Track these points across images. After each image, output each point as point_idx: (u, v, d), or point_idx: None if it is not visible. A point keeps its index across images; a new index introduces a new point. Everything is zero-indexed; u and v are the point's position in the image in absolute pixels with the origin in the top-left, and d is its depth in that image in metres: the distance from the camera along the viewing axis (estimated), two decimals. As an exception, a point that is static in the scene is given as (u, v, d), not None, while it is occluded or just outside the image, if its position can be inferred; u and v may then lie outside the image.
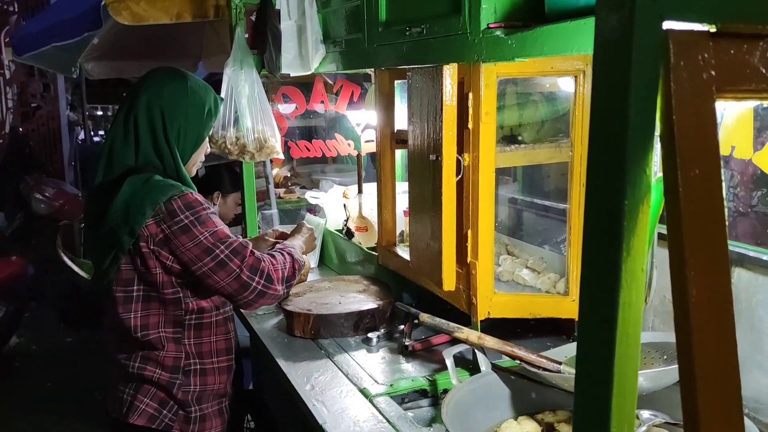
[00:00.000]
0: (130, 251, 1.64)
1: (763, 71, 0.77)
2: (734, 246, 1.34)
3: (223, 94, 2.44)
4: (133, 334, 1.67)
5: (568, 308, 1.76)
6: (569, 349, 1.61)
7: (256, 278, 1.64)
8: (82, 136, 7.73)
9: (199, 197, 1.67)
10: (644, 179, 0.70)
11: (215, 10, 2.89)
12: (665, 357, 1.43)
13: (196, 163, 1.83)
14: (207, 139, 1.82)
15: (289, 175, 3.57)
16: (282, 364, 1.72)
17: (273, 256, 1.73)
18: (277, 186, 3.49)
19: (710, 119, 0.73)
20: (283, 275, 1.70)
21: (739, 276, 1.33)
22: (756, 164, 1.28)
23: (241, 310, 2.16)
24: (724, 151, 1.35)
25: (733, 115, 1.29)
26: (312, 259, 2.68)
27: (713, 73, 0.73)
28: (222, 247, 1.61)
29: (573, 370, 1.46)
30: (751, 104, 1.11)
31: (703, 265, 0.71)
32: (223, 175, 3.30)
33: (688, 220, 0.71)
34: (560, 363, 1.48)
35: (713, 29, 0.73)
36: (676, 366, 1.28)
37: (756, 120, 1.27)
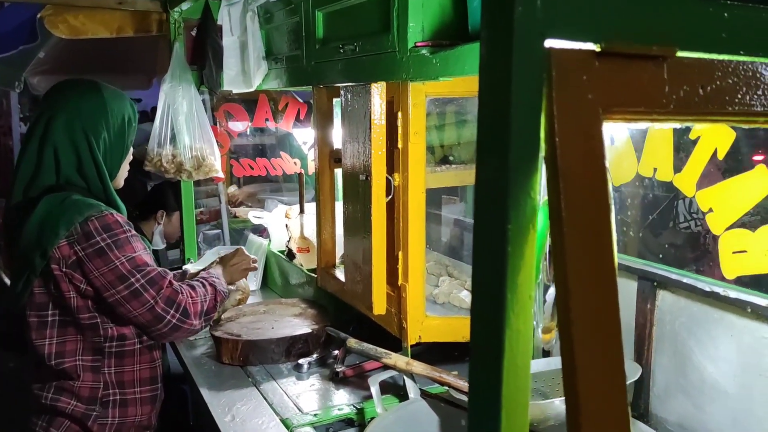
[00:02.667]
0: (43, 273, 1.55)
1: (653, 92, 0.75)
2: (658, 268, 1.33)
3: (159, 111, 2.38)
4: (47, 361, 1.58)
5: (502, 331, 1.73)
6: (501, 374, 1.58)
7: (172, 311, 1.55)
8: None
9: (121, 219, 1.59)
10: (529, 203, 0.66)
11: (158, 25, 2.82)
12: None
13: (123, 176, 1.75)
14: (131, 149, 1.74)
15: (234, 191, 3.50)
16: (205, 393, 1.65)
17: (193, 288, 1.64)
18: (232, 205, 3.41)
19: (597, 141, 0.71)
20: (202, 309, 1.61)
21: (663, 299, 1.31)
22: (677, 186, 1.27)
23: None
24: (647, 173, 1.34)
25: (652, 138, 1.29)
26: (253, 282, 2.60)
27: (598, 93, 0.71)
28: (138, 275, 1.53)
29: (500, 397, 1.42)
30: (641, 126, 1.10)
31: (589, 294, 0.68)
32: (167, 193, 3.20)
33: (572, 244, 0.68)
34: (489, 389, 1.44)
35: (598, 48, 0.70)
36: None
37: (674, 143, 1.26)
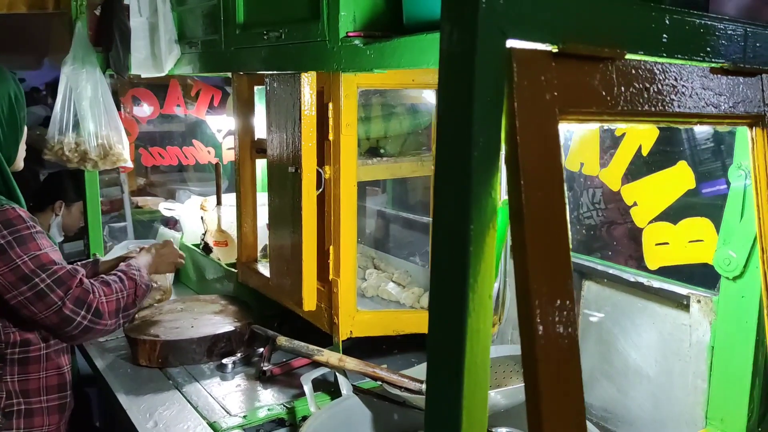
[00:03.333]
0: None
1: (603, 93, 0.77)
2: (583, 259, 1.38)
3: (60, 95, 2.20)
4: None
5: (431, 323, 1.74)
6: (431, 366, 1.59)
7: (82, 312, 1.44)
8: None
9: (24, 214, 1.46)
10: (490, 203, 0.66)
11: (55, 2, 2.60)
12: (521, 369, 1.45)
13: (21, 158, 1.63)
14: (25, 129, 1.63)
15: (142, 183, 3.32)
16: (122, 398, 1.55)
17: (107, 285, 1.53)
18: (133, 194, 3.22)
19: (554, 141, 0.71)
20: (117, 307, 1.51)
21: (589, 288, 1.37)
22: (602, 180, 1.32)
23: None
24: (573, 167, 1.39)
25: (580, 133, 1.34)
26: (167, 278, 2.48)
27: (556, 94, 0.71)
28: (43, 275, 1.42)
29: (433, 389, 1.44)
30: (592, 126, 1.14)
31: (548, 284, 0.69)
32: (66, 182, 2.98)
33: (532, 242, 0.69)
34: (422, 382, 1.45)
35: (555, 49, 0.71)
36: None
37: (601, 138, 1.31)
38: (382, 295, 1.90)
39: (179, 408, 1.50)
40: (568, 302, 0.71)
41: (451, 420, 0.68)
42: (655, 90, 0.79)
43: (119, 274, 1.60)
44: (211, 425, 1.42)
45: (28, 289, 1.41)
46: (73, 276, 1.46)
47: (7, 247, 1.40)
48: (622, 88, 0.76)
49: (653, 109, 0.79)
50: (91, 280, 1.52)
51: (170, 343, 1.72)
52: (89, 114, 2.18)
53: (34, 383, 1.53)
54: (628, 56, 0.76)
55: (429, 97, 1.91)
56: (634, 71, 0.77)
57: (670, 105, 0.81)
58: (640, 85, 0.78)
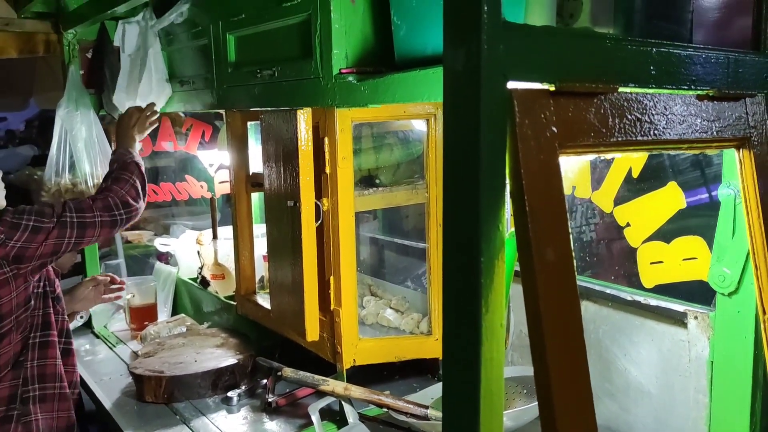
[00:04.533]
0: None
1: (599, 126, 0.81)
2: (581, 280, 1.42)
3: (55, 138, 2.22)
4: None
5: (432, 348, 1.76)
6: (435, 390, 1.61)
7: (117, 212, 1.72)
8: None
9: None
10: (498, 235, 0.69)
11: (45, 46, 2.63)
12: (525, 391, 1.47)
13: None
14: None
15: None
16: (130, 436, 1.55)
17: (117, 180, 1.78)
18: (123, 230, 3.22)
19: (556, 174, 0.75)
20: (137, 191, 1.78)
21: (587, 309, 1.40)
22: (594, 202, 1.36)
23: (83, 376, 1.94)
24: (566, 191, 1.43)
25: (571, 158, 1.38)
26: (164, 313, 2.48)
27: (555, 129, 0.75)
28: (68, 213, 1.64)
29: (440, 415, 1.45)
30: (590, 158, 1.19)
31: (557, 309, 0.73)
32: None
33: (542, 271, 0.72)
34: (427, 407, 1.47)
35: (552, 88, 0.75)
36: (536, 402, 1.30)
37: (592, 162, 1.36)
38: (381, 322, 1.92)
39: (188, 444, 1.50)
40: (576, 322, 0.74)
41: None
42: (647, 119, 0.84)
43: (119, 164, 1.82)
44: (221, 460, 1.42)
45: (69, 228, 1.62)
46: (81, 200, 1.69)
47: (36, 224, 1.58)
48: (617, 120, 0.80)
49: (646, 137, 0.84)
50: (103, 186, 1.78)
51: (175, 378, 1.73)
52: (84, 155, 2.21)
53: (51, 368, 1.61)
54: (621, 90, 0.81)
55: (419, 126, 1.95)
56: (626, 104, 0.81)
57: (661, 133, 0.86)
58: (633, 116, 0.82)
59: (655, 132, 0.83)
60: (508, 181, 0.71)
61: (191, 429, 1.58)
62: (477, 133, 0.67)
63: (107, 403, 1.76)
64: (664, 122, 0.85)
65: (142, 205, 1.77)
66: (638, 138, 0.83)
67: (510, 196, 0.72)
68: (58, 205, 1.66)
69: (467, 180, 0.68)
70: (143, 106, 2.11)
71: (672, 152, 1.19)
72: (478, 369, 0.69)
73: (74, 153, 2.21)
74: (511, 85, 0.69)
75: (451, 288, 0.71)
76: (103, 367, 2.02)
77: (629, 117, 0.82)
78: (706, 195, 1.31)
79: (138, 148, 1.97)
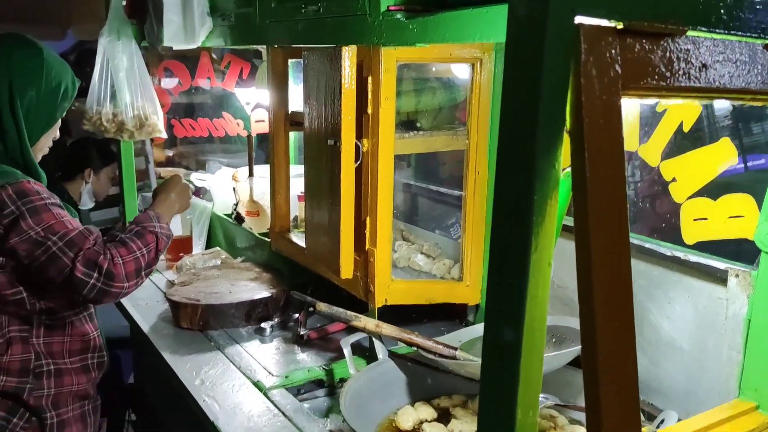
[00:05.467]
0: None
1: (663, 69, 0.79)
2: (618, 234, 1.41)
3: (97, 66, 2.23)
4: None
5: (463, 293, 1.79)
6: (464, 334, 1.64)
7: (94, 274, 1.40)
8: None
9: (39, 186, 1.46)
10: (553, 174, 0.69)
11: (87, -26, 2.63)
12: (554, 340, 1.49)
13: (42, 149, 1.62)
14: (59, 122, 1.62)
15: (171, 154, 3.37)
16: (168, 357, 1.61)
17: (124, 244, 1.46)
18: (157, 165, 3.28)
19: (616, 116, 0.74)
20: (137, 267, 1.46)
21: (622, 262, 1.40)
22: (640, 155, 1.34)
23: (122, 302, 2.01)
24: (610, 143, 1.40)
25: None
26: (198, 246, 2.54)
27: (619, 69, 0.74)
28: (55, 238, 1.40)
29: (468, 356, 1.48)
30: (651, 102, 1.16)
31: (608, 256, 0.73)
32: (91, 150, 3.05)
33: (595, 213, 0.72)
34: (455, 348, 1.50)
35: (620, 26, 0.73)
36: (566, 350, 1.32)
37: (640, 114, 1.33)
38: (413, 266, 1.94)
39: (223, 368, 1.56)
40: (625, 267, 0.74)
41: (509, 380, 0.71)
42: (713, 66, 0.81)
43: (137, 229, 1.53)
44: (255, 384, 1.48)
45: (42, 253, 1.39)
46: (86, 237, 1.42)
47: (20, 217, 1.40)
48: (682, 64, 0.78)
49: (710, 85, 0.82)
50: (108, 243, 1.47)
51: (211, 307, 1.78)
52: (125, 85, 2.22)
53: (58, 346, 1.55)
54: (689, 33, 0.78)
55: (460, 72, 1.92)
56: (692, 48, 0.79)
57: (726, 81, 0.83)
58: (698, 62, 0.80)
59: (720, 80, 0.81)
60: (567, 119, 0.70)
61: (225, 355, 1.64)
62: (540, 66, 0.66)
63: (145, 327, 1.83)
64: (729, 71, 0.83)
65: (128, 287, 1.44)
66: (701, 84, 0.81)
67: (568, 135, 0.71)
68: (60, 231, 1.42)
69: (526, 115, 0.67)
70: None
71: (736, 103, 1.16)
72: (523, 305, 0.70)
73: (115, 83, 2.23)
74: (578, 19, 0.68)
75: (501, 225, 0.71)
76: (139, 292, 2.08)
77: (694, 62, 0.80)
78: (762, 160, 1.29)
79: (168, 226, 1.63)
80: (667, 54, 0.77)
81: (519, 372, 0.70)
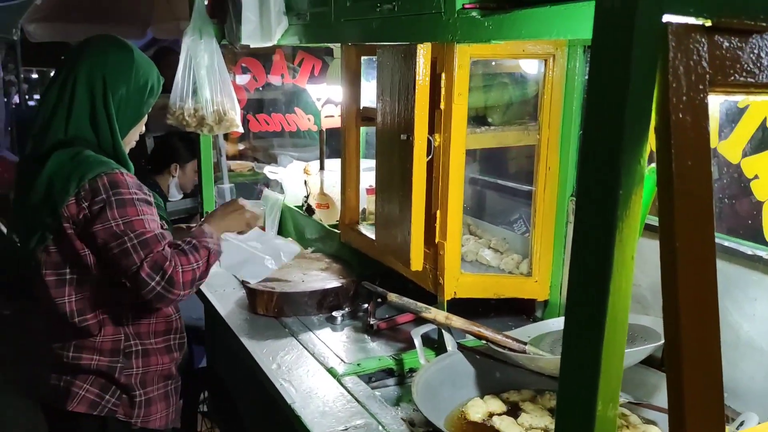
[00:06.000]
0: (55, 232, 1.53)
1: (752, 66, 0.79)
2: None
3: (181, 64, 2.35)
4: (70, 320, 1.57)
5: (531, 289, 1.80)
6: (532, 329, 1.65)
7: (157, 278, 1.46)
8: (16, 99, 7.34)
9: (131, 179, 1.55)
10: (638, 170, 0.70)
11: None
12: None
13: (130, 143, 1.73)
14: (145, 118, 1.73)
15: (242, 147, 3.49)
16: (246, 342, 1.70)
17: (185, 254, 1.52)
18: (230, 158, 3.41)
19: (703, 112, 0.75)
20: (193, 277, 1.51)
21: (698, 261, 1.38)
22: (720, 152, 1.32)
23: (201, 288, 2.11)
24: (689, 139, 1.38)
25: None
26: (271, 233, 2.63)
27: (707, 67, 0.74)
28: (132, 235, 1.48)
29: (538, 351, 1.49)
30: (738, 98, 1.14)
31: (693, 254, 0.73)
32: (177, 144, 3.20)
33: (680, 210, 0.73)
34: (525, 343, 1.51)
35: (708, 23, 0.74)
36: (640, 347, 1.32)
37: (721, 110, 1.31)
38: (481, 261, 1.96)
39: (298, 354, 1.63)
40: (711, 266, 0.75)
41: (590, 372, 0.72)
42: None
43: (194, 242, 1.58)
44: (328, 370, 1.54)
45: (116, 246, 1.47)
46: (159, 241, 1.49)
47: (107, 207, 1.48)
48: (771, 61, 0.78)
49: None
50: (174, 249, 1.54)
51: (285, 294, 1.86)
52: (206, 82, 2.33)
53: (144, 327, 1.65)
54: (780, 30, 0.77)
55: (529, 67, 1.92)
56: (782, 44, 0.78)
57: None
58: (789, 58, 0.79)
59: (811, 76, 0.80)
60: (653, 116, 0.71)
61: (300, 341, 1.71)
62: (628, 63, 0.68)
63: (222, 312, 1.92)
64: (822, 67, 0.81)
65: (183, 295, 1.50)
66: (791, 81, 0.80)
67: (654, 132, 0.72)
68: (138, 230, 1.49)
69: (612, 111, 0.68)
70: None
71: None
72: (606, 299, 0.71)
73: (197, 80, 2.34)
74: (666, 18, 0.69)
75: (585, 219, 0.73)
76: (216, 279, 2.18)
77: (784, 58, 0.79)
78: None
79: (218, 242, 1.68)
80: (756, 50, 0.76)
81: (600, 365, 0.71)
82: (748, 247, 1.26)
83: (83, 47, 1.66)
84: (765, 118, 1.22)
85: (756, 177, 1.25)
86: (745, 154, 1.27)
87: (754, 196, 1.26)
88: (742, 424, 1.10)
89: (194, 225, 1.82)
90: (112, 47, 1.65)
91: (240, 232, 1.88)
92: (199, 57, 2.33)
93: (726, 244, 1.31)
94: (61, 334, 1.62)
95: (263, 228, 2.21)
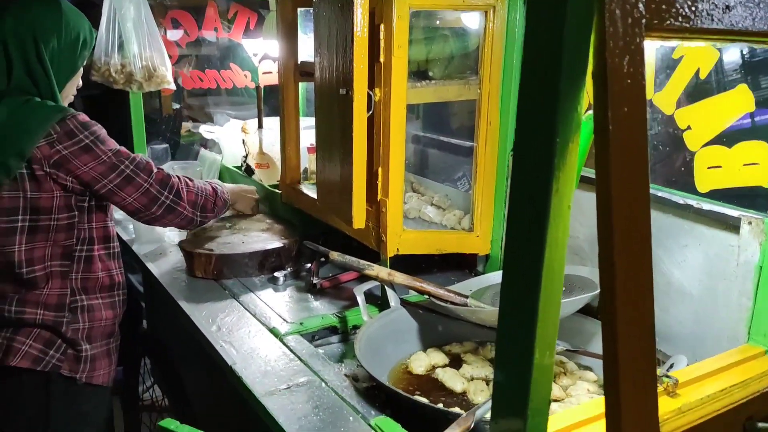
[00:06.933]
0: (15, 177, 1.51)
1: (687, 11, 0.78)
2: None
3: (104, 17, 2.21)
4: (17, 269, 1.56)
5: (473, 243, 1.81)
6: (474, 283, 1.67)
7: (165, 192, 1.66)
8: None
9: (89, 119, 1.60)
10: (575, 117, 0.69)
11: None
12: (564, 288, 1.51)
13: (68, 97, 1.71)
14: (80, 71, 1.71)
15: (178, 107, 3.35)
16: (184, 305, 1.65)
17: (191, 180, 1.76)
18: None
19: (639, 58, 0.74)
20: (195, 200, 1.73)
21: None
22: (655, 103, 1.34)
23: (136, 252, 2.04)
24: (625, 91, 1.39)
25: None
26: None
27: (643, 11, 0.73)
28: (126, 162, 1.61)
29: (479, 303, 1.51)
30: (673, 45, 1.15)
31: (629, 200, 0.73)
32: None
33: (616, 157, 0.72)
34: (467, 296, 1.53)
35: (645, -35, 0.72)
36: (577, 297, 1.34)
37: (656, 61, 1.32)
38: (423, 217, 1.96)
39: (239, 315, 1.60)
40: (645, 211, 0.75)
41: (527, 321, 0.72)
42: (739, 8, 0.81)
43: (203, 181, 1.81)
44: (271, 330, 1.51)
45: (117, 176, 1.59)
46: (149, 162, 1.67)
47: (92, 145, 1.55)
48: (706, 5, 0.78)
49: (734, 27, 0.81)
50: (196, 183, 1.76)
51: (224, 256, 1.81)
52: (133, 35, 2.20)
53: (92, 282, 1.66)
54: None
55: (469, 20, 1.89)
56: (716, -12, 0.78)
57: (752, 23, 0.82)
58: (723, 3, 0.79)
59: (745, 22, 0.80)
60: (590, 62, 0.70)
61: (240, 302, 1.67)
62: (564, 7, 0.66)
63: (159, 276, 1.86)
64: (755, 12, 0.82)
65: (188, 211, 1.72)
66: (726, 27, 0.80)
67: (591, 77, 0.71)
68: (129, 156, 1.64)
69: (548, 58, 0.67)
70: None
71: (756, 46, 1.15)
72: (542, 248, 0.71)
73: (123, 33, 2.21)
74: (601, -44, 0.67)
75: (522, 166, 0.72)
76: (151, 245, 2.11)
77: (718, 3, 0.79)
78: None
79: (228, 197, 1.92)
80: (691, -6, 0.76)
81: (537, 314, 0.72)
82: (679, 197, 1.29)
83: (7, 3, 1.59)
84: (698, 69, 1.24)
85: (689, 128, 1.27)
86: (679, 105, 1.29)
87: (686, 146, 1.28)
88: (671, 366, 1.14)
89: None
90: (36, 2, 1.59)
91: (240, 213, 2.12)
92: (124, 9, 2.19)
93: (659, 194, 1.34)
94: (2, 288, 1.60)
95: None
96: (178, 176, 1.73)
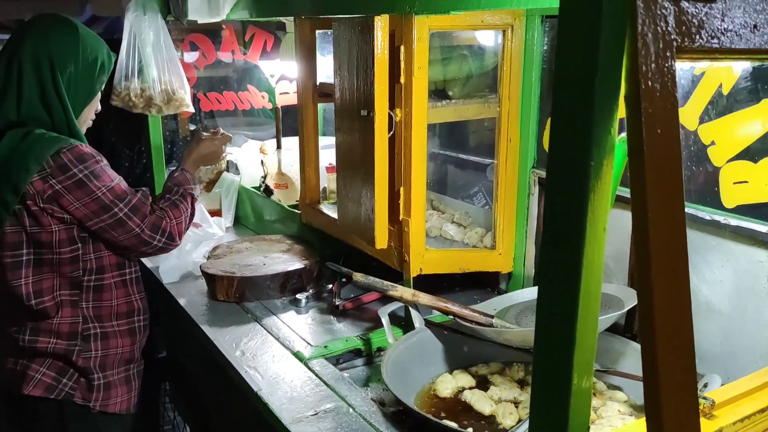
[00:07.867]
0: (15, 212, 1.52)
1: (717, 32, 0.78)
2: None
3: (124, 42, 2.24)
4: (26, 302, 1.57)
5: (496, 261, 1.80)
6: (497, 302, 1.66)
7: (158, 236, 1.61)
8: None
9: (91, 150, 1.57)
10: (609, 139, 0.69)
11: (108, -52, 2.62)
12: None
13: (86, 122, 1.71)
14: (98, 95, 1.71)
15: (195, 128, 3.38)
16: (207, 330, 1.65)
17: (176, 206, 1.68)
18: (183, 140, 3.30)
19: (671, 80, 0.74)
20: (186, 226, 1.69)
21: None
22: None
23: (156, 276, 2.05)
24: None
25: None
26: (228, 219, 2.57)
27: (675, 33, 0.73)
28: (121, 204, 1.56)
29: (505, 323, 1.50)
30: (703, 65, 1.15)
31: (665, 219, 0.73)
32: None
33: (652, 179, 0.72)
34: (492, 316, 1.52)
35: (674, -13, 0.73)
36: (604, 316, 1.33)
37: (678, 77, 1.31)
38: (445, 236, 1.95)
39: (262, 339, 1.60)
40: (681, 231, 0.74)
41: (565, 345, 0.71)
42: (763, 26, 0.80)
43: (180, 191, 1.72)
44: (295, 354, 1.51)
45: (109, 217, 1.55)
46: (145, 203, 1.61)
47: (85, 180, 1.51)
48: (737, 26, 0.78)
49: (762, 46, 0.81)
50: (160, 204, 1.67)
51: (246, 279, 1.81)
52: (152, 60, 2.23)
53: (106, 309, 1.65)
54: (743, -6, 0.77)
55: (486, 39, 1.90)
56: (746, 9, 0.78)
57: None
58: (751, 22, 0.79)
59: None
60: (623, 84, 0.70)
61: (263, 326, 1.67)
62: (596, 32, 0.66)
63: (181, 300, 1.87)
64: (782, 31, 0.82)
65: (179, 244, 1.67)
66: (755, 46, 0.80)
67: (624, 100, 0.71)
68: (126, 197, 1.58)
69: (582, 81, 0.67)
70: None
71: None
72: (579, 271, 0.70)
73: (142, 58, 2.24)
74: (633, -19, 0.67)
75: (556, 190, 0.72)
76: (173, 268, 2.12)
77: (748, 22, 0.79)
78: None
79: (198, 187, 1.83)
80: (721, 15, 0.76)
81: (575, 338, 0.71)
82: (706, 213, 1.28)
83: (26, 28, 1.61)
84: (720, 84, 1.24)
85: (713, 143, 1.26)
86: (702, 121, 1.28)
87: (711, 162, 1.27)
88: (705, 386, 1.12)
89: (175, 169, 1.84)
90: (54, 26, 1.61)
91: (217, 174, 1.99)
92: (144, 34, 2.22)
93: (686, 211, 1.32)
94: (17, 317, 1.61)
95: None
96: (165, 211, 1.64)
